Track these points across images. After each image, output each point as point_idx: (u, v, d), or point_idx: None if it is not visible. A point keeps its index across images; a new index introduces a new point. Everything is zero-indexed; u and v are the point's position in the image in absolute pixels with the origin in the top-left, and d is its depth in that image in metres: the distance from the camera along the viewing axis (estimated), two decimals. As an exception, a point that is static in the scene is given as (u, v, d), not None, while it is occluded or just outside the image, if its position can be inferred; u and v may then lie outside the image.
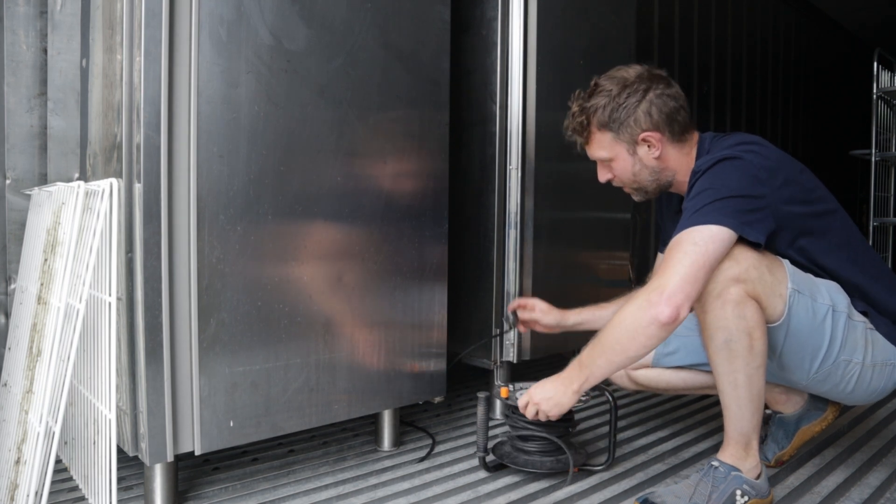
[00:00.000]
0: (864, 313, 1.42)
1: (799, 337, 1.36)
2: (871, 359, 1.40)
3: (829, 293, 1.38)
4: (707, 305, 1.32)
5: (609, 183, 1.56)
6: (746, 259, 1.30)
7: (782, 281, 1.34)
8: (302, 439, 1.84)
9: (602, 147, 1.49)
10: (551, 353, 2.11)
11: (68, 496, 1.47)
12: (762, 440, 1.65)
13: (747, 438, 1.37)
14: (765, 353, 1.32)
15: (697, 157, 1.47)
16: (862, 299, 1.43)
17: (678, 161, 1.48)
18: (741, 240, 1.29)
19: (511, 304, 1.84)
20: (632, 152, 1.46)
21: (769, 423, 1.71)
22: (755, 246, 1.31)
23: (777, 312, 1.34)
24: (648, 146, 1.45)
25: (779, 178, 1.34)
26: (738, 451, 1.38)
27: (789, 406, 1.68)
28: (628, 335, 1.29)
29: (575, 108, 1.50)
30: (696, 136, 1.50)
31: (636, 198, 1.58)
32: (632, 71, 1.47)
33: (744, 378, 1.32)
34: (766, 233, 1.32)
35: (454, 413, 2.13)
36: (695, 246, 1.25)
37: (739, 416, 1.36)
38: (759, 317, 1.31)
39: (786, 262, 1.38)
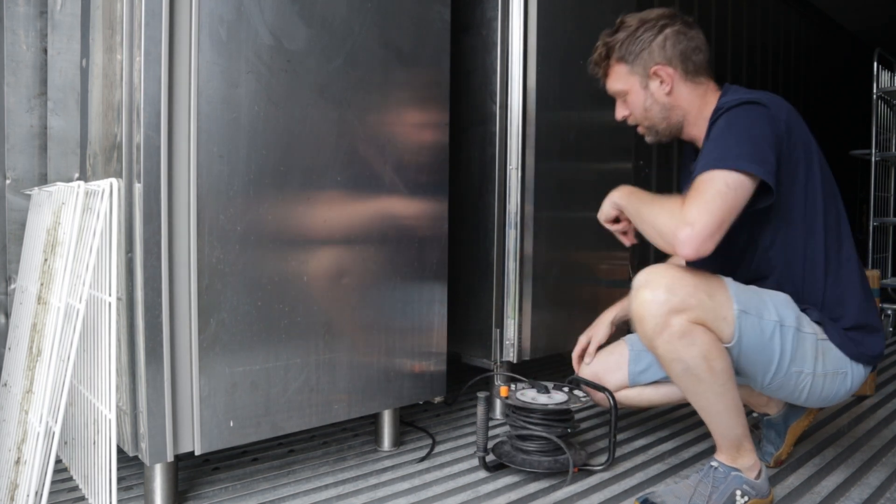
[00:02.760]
0: (819, 323, 1.42)
1: (750, 355, 1.36)
2: (823, 369, 1.40)
3: (777, 308, 1.37)
4: (654, 342, 1.32)
5: (625, 122, 1.57)
6: (682, 288, 1.30)
7: (725, 304, 1.33)
8: (302, 439, 1.84)
9: (618, 79, 1.53)
10: (551, 353, 2.11)
11: (68, 496, 1.47)
12: (757, 443, 1.65)
13: (738, 441, 1.38)
14: (728, 369, 1.32)
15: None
16: (820, 304, 1.43)
17: (690, 102, 1.49)
18: (677, 264, 1.33)
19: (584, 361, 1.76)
20: (644, 86, 1.49)
21: (759, 426, 1.72)
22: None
23: (726, 336, 1.33)
24: (660, 81, 1.48)
25: (794, 135, 1.38)
26: (732, 453, 1.38)
27: (772, 407, 1.68)
28: (655, 229, 1.33)
29: (600, 42, 1.56)
30: (713, 85, 1.51)
31: (648, 138, 1.58)
32: (656, 11, 1.52)
33: (713, 396, 1.34)
34: (776, 180, 1.33)
35: (454, 413, 2.13)
36: (727, 189, 1.27)
37: (723, 425, 1.37)
38: (710, 338, 1.30)
39: (727, 280, 1.38)
